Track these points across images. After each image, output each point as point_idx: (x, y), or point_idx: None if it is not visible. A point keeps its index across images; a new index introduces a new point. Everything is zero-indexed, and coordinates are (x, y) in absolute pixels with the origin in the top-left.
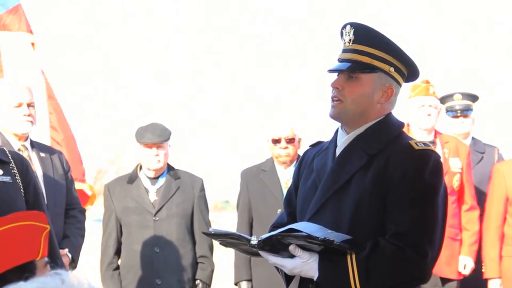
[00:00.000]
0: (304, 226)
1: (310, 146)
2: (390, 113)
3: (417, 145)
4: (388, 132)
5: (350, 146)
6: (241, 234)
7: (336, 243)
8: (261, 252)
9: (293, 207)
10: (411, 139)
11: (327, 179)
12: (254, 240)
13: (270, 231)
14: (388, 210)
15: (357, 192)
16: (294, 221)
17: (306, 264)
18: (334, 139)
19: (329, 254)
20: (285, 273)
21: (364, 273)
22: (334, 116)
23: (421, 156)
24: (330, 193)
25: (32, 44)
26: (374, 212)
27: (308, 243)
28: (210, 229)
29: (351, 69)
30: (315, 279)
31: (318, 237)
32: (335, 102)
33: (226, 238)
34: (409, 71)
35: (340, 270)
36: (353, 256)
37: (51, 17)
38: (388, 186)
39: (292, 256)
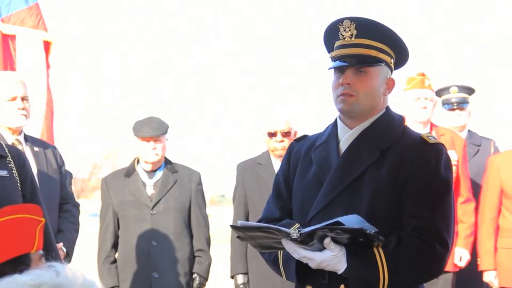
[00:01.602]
0: (346, 219)
1: (295, 140)
2: (388, 106)
3: (430, 139)
4: (394, 126)
5: (358, 141)
6: (280, 227)
7: (381, 238)
8: (289, 245)
9: (284, 200)
10: (417, 132)
11: (335, 174)
12: (295, 234)
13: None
14: (405, 204)
15: (372, 186)
16: (288, 215)
17: (335, 257)
18: (334, 133)
19: (355, 247)
20: (296, 271)
21: (392, 266)
22: (346, 110)
23: (435, 150)
24: (340, 188)
25: (49, 42)
26: (392, 206)
27: (356, 236)
28: (239, 223)
29: (360, 63)
30: (340, 272)
31: (370, 232)
32: (346, 97)
33: (256, 232)
34: (399, 59)
35: (369, 263)
36: (380, 250)
37: (51, 16)
38: (404, 180)
39: (321, 249)
